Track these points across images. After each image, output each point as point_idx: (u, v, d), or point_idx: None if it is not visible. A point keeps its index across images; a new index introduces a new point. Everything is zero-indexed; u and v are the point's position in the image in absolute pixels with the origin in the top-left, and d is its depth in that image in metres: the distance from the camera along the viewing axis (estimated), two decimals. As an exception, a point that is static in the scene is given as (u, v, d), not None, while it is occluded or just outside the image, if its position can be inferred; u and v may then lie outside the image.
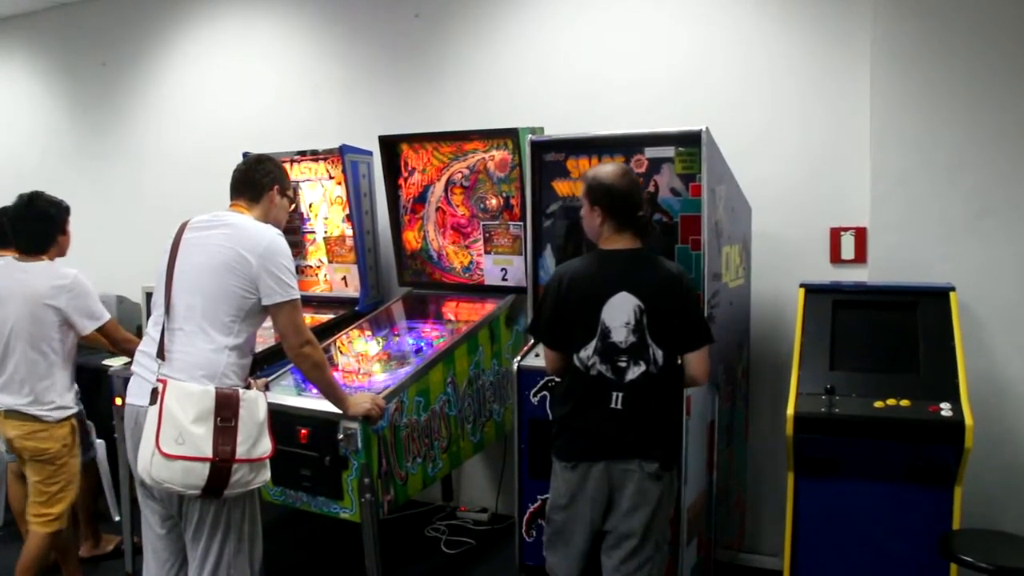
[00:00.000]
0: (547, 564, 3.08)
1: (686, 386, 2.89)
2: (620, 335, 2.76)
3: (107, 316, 3.65)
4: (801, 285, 3.39)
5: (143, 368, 2.83)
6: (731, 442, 3.62)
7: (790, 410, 3.03)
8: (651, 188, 3.26)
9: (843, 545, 3.10)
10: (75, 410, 3.67)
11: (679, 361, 2.82)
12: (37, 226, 3.64)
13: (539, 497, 3.34)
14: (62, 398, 3.61)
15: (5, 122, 6.97)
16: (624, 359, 2.77)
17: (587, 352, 2.80)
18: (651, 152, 3.26)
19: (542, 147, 3.49)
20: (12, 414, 3.53)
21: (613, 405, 2.78)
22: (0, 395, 3.56)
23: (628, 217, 2.83)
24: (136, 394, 2.83)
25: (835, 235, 3.79)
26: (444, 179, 4.21)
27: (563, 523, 2.97)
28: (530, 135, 3.53)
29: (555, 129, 3.77)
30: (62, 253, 3.76)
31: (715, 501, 3.38)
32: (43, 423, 3.54)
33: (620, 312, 2.77)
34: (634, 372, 2.76)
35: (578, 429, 2.87)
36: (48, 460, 3.56)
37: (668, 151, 3.23)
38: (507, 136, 3.95)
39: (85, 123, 6.46)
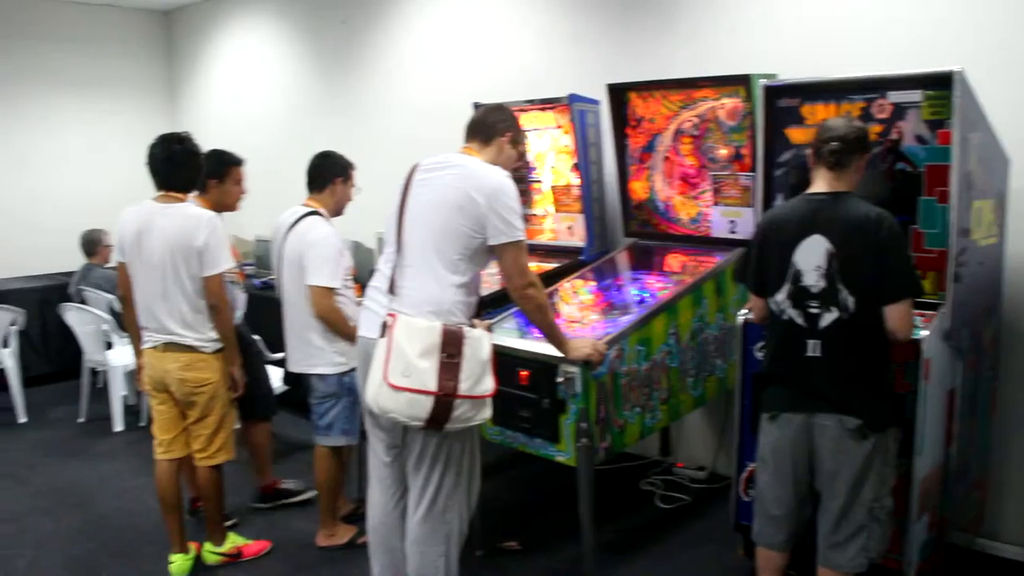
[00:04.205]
0: (753, 530, 3.01)
1: (890, 340, 2.72)
2: (811, 279, 2.72)
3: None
4: (1066, 245, 3.08)
5: (374, 302, 2.98)
6: (974, 414, 3.35)
7: (1047, 381, 2.77)
8: (894, 135, 3.06)
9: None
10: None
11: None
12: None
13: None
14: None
15: (256, 82, 7.53)
16: (815, 304, 2.72)
17: (780, 296, 2.80)
18: (895, 96, 3.05)
19: (776, 92, 3.34)
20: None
21: (809, 353, 2.74)
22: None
23: (829, 157, 2.75)
24: (367, 327, 2.99)
25: (1110, 192, 3.40)
26: (672, 128, 4.13)
27: (764, 485, 2.91)
28: (763, 80, 3.38)
29: (791, 76, 3.58)
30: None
31: (952, 477, 3.15)
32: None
33: (812, 255, 2.72)
34: (827, 319, 2.70)
35: (777, 378, 2.85)
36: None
37: (915, 95, 3.01)
38: (739, 83, 3.80)
39: (327, 79, 6.85)
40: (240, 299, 4.14)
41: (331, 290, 3.70)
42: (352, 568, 3.76)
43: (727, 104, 3.90)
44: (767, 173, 3.41)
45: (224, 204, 4.10)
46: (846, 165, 2.76)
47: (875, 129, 3.08)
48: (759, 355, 3.26)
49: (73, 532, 4.33)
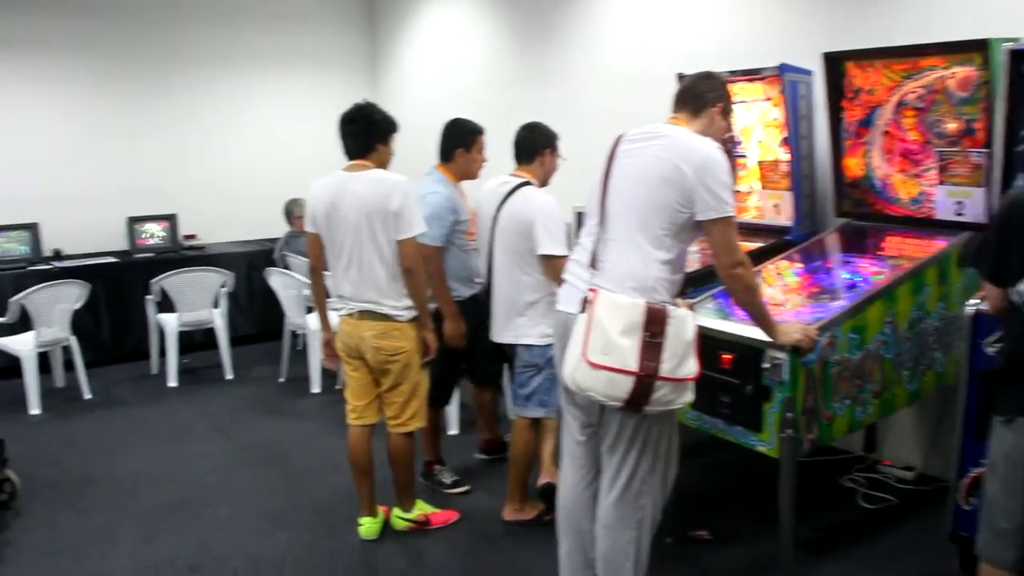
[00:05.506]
0: (976, 543, 2.73)
1: None
2: None
3: None
4: None
5: (574, 276, 2.89)
6: None
7: None
8: None
9: None
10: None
11: None
12: None
13: (983, 462, 2.96)
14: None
15: (454, 55, 7.61)
16: None
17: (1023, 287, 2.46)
18: None
19: (1023, 57, 3.00)
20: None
21: None
22: None
23: None
24: (567, 301, 2.90)
25: None
26: (894, 100, 3.81)
27: (993, 494, 2.62)
28: (1007, 44, 3.05)
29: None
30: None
31: None
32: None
33: None
34: None
35: (1016, 377, 2.53)
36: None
37: None
38: (974, 49, 3.44)
39: (523, 51, 6.82)
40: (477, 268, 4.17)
41: (564, 258, 3.65)
42: (535, 545, 3.72)
43: (958, 73, 3.56)
44: (1008, 149, 3.09)
45: (468, 172, 4.22)
46: None
47: None
48: (989, 351, 2.97)
49: (270, 486, 4.52)
